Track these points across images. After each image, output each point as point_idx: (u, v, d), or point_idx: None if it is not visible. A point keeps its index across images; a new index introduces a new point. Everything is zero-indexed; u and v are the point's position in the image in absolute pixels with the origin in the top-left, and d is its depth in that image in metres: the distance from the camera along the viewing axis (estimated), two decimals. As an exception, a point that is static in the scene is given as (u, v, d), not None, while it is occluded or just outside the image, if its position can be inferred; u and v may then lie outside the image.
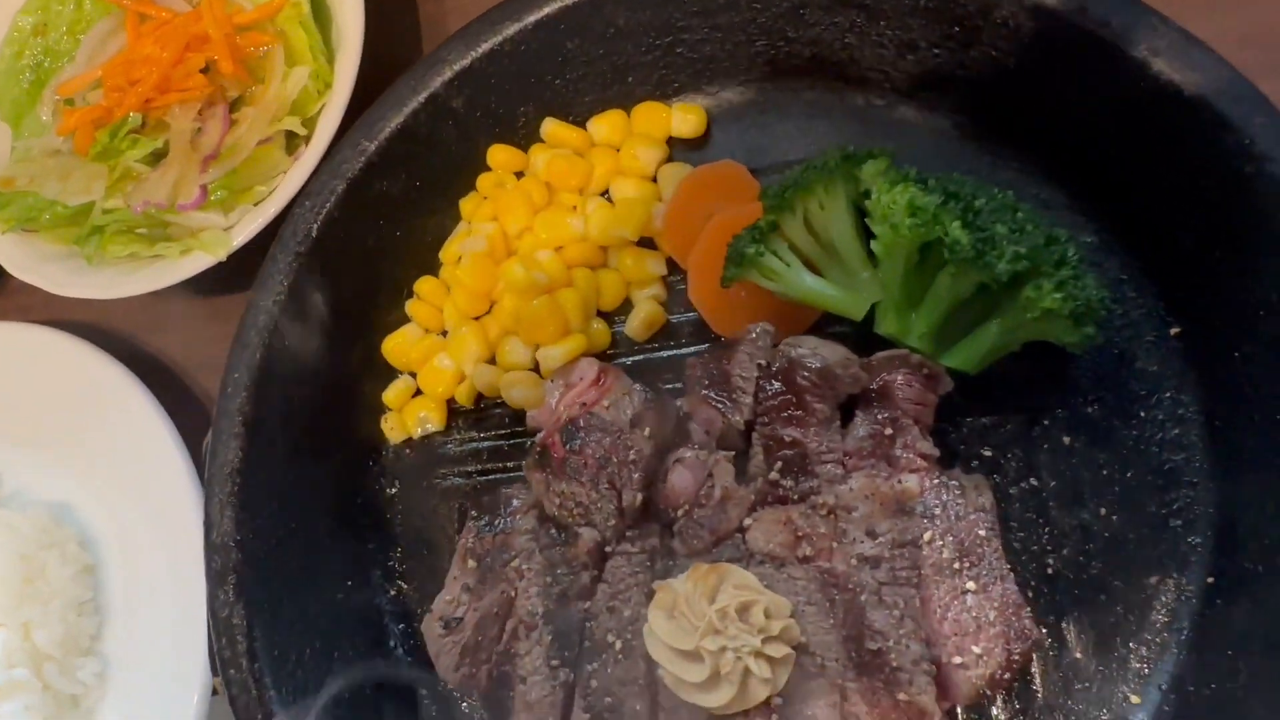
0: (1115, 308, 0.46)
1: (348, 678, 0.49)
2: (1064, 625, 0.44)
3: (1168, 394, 0.45)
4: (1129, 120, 0.44)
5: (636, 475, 0.45)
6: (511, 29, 0.52)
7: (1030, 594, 0.44)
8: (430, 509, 0.54)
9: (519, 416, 0.53)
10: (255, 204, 0.61)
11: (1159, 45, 0.43)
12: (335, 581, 0.51)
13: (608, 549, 0.45)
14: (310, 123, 0.62)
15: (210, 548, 0.49)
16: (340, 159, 0.52)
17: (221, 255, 0.59)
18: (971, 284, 0.44)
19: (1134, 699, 0.42)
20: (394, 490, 0.55)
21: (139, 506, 0.63)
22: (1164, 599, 0.43)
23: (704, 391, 0.46)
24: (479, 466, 0.54)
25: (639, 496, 0.45)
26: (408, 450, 0.55)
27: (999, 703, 0.44)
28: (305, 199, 0.53)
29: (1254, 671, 0.39)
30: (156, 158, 0.64)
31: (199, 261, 0.60)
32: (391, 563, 0.53)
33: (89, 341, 0.66)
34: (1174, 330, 0.45)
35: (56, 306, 0.69)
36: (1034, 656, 0.42)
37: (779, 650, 0.41)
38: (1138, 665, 0.43)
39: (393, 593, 0.53)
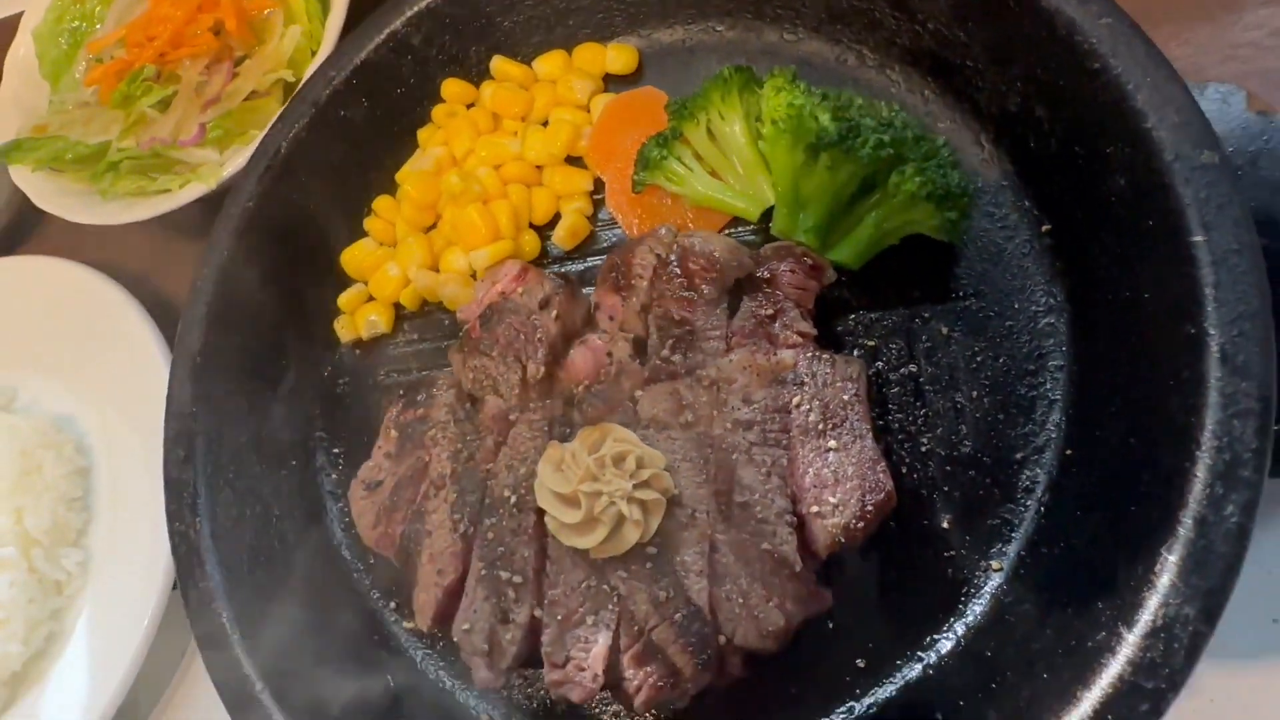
0: (995, 210, 0.50)
1: (282, 543, 0.54)
2: (934, 498, 0.46)
3: (1039, 286, 0.48)
4: (1005, 38, 0.48)
5: (541, 351, 0.50)
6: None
7: (904, 470, 0.47)
8: (374, 403, 0.58)
9: (458, 324, 0.59)
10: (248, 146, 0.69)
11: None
12: (282, 460, 0.56)
13: (512, 417, 0.49)
14: (301, 75, 0.70)
15: (170, 416, 0.54)
16: (310, 87, 0.59)
17: (212, 184, 0.66)
18: (848, 177, 0.48)
19: (995, 565, 0.44)
20: (343, 385, 0.60)
21: (132, 422, 0.69)
22: (1026, 472, 0.45)
23: (609, 280, 0.51)
24: (419, 365, 0.58)
25: (541, 369, 0.49)
26: (357, 350, 0.60)
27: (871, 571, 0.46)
28: (278, 122, 0.60)
29: (1096, 526, 0.41)
30: (165, 105, 0.72)
31: (194, 190, 0.68)
32: (336, 450, 0.58)
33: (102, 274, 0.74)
34: (1045, 228, 0.48)
35: (78, 250, 0.78)
36: (892, 518, 0.44)
37: (650, 495, 0.44)
38: (1001, 532, 0.45)
39: (334, 476, 0.58)
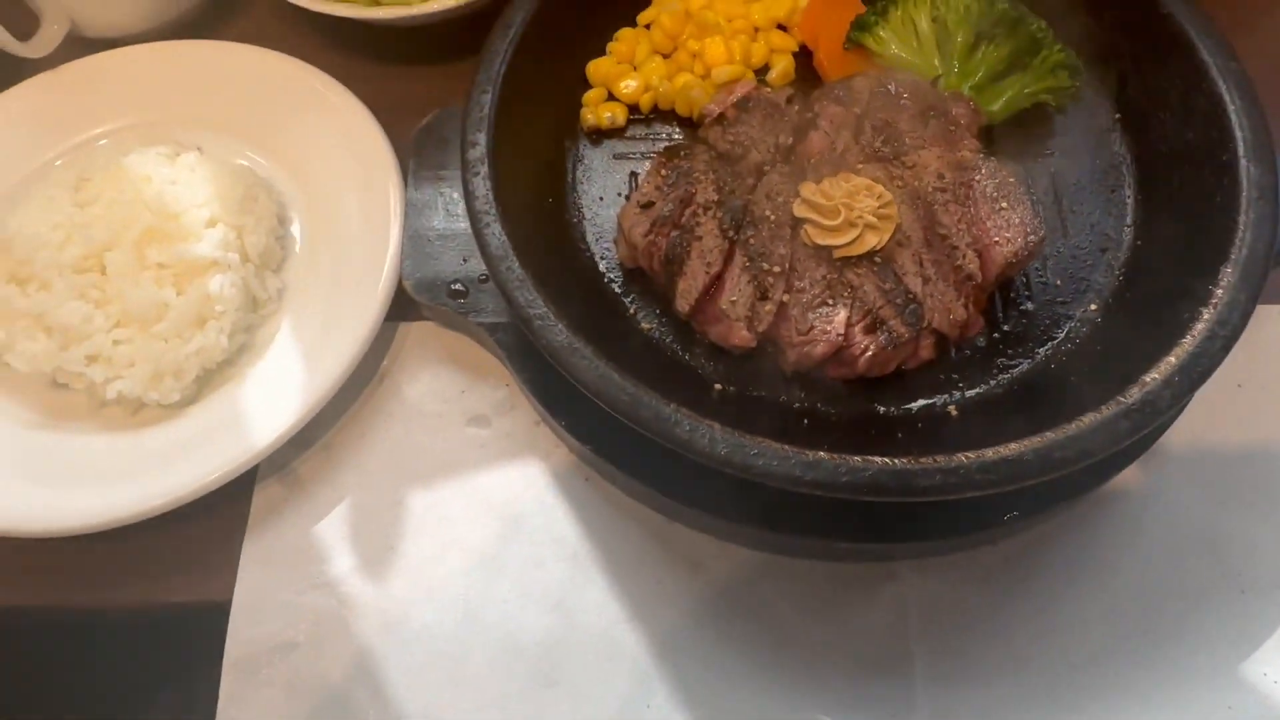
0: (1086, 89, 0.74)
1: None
2: (1048, 265, 0.68)
3: (1114, 144, 0.72)
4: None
5: (788, 128, 0.67)
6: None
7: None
8: (607, 176, 0.74)
9: (679, 132, 0.75)
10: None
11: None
12: (543, 189, 0.71)
13: (765, 169, 0.66)
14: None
15: (466, 128, 0.66)
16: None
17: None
18: (1005, 54, 0.71)
19: (1094, 306, 0.66)
20: (579, 164, 0.74)
21: (337, 185, 0.78)
22: (1110, 252, 0.68)
23: (831, 95, 0.69)
24: (643, 151, 0.74)
25: (790, 139, 0.67)
26: (595, 138, 0.75)
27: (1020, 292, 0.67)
28: None
29: (1164, 277, 0.64)
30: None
31: (438, 6, 0.80)
32: (580, 207, 0.72)
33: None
34: (1117, 116, 0.73)
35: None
36: (1035, 262, 0.65)
37: (885, 214, 0.62)
38: (1095, 285, 0.67)
39: (574, 218, 0.71)
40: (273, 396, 0.69)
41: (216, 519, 0.68)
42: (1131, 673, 0.60)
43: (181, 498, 0.66)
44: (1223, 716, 0.60)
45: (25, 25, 0.84)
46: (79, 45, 0.86)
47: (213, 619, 0.65)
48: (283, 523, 0.68)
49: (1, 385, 0.71)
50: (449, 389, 0.73)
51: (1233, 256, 0.60)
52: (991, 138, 0.72)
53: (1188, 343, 0.58)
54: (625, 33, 0.77)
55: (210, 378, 0.71)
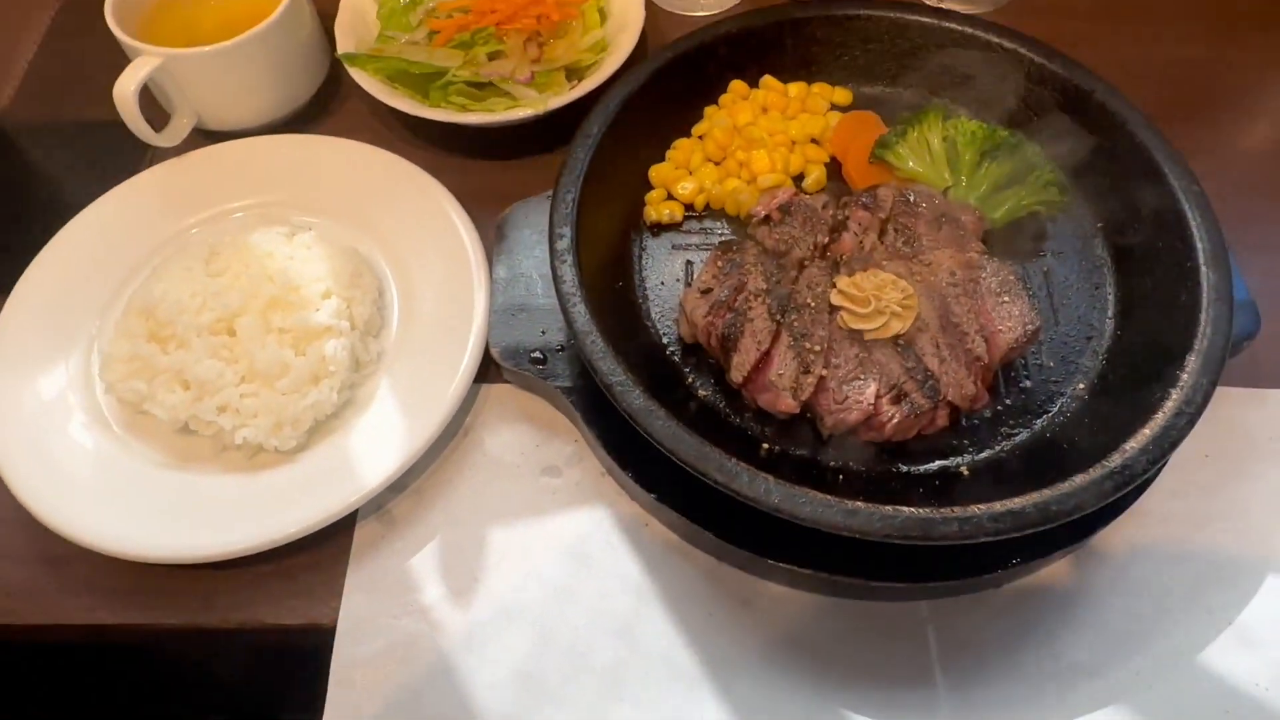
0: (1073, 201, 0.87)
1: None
2: (1041, 350, 0.80)
3: (1097, 247, 0.85)
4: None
5: (824, 229, 0.80)
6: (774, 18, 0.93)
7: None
8: (666, 264, 0.86)
9: (727, 228, 0.88)
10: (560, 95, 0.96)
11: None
12: (614, 274, 0.83)
13: (805, 263, 0.78)
14: (584, 70, 1.00)
15: (553, 221, 0.79)
16: (652, 59, 0.89)
17: (541, 110, 0.93)
18: (1005, 171, 0.84)
19: (1080, 386, 0.78)
20: (643, 253, 0.87)
21: (428, 263, 0.90)
22: (1094, 340, 0.80)
23: (859, 202, 0.82)
24: (698, 244, 0.87)
25: (826, 238, 0.79)
26: (655, 231, 0.88)
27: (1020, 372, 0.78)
28: (614, 88, 0.88)
29: (1140, 360, 0.76)
30: (493, 57, 0.98)
31: (522, 112, 0.93)
32: (645, 289, 0.84)
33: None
34: (1099, 224, 0.86)
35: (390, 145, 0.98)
36: (1032, 347, 0.77)
37: (907, 305, 0.74)
38: (1082, 368, 0.78)
39: (639, 299, 0.83)
40: (373, 446, 0.80)
41: (323, 552, 0.78)
42: (1131, 682, 0.71)
43: (293, 534, 0.76)
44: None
45: (159, 119, 0.97)
46: (201, 137, 0.99)
47: (319, 638, 0.74)
48: (380, 556, 0.78)
49: (138, 431, 0.82)
50: (525, 443, 0.83)
51: (1196, 347, 0.72)
52: (994, 240, 0.85)
53: (1159, 418, 0.69)
54: (682, 143, 0.91)
55: (319, 428, 0.82)
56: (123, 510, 0.77)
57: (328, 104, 1.06)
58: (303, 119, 1.04)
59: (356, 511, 0.79)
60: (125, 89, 0.90)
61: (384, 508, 0.81)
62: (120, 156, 0.98)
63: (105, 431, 0.82)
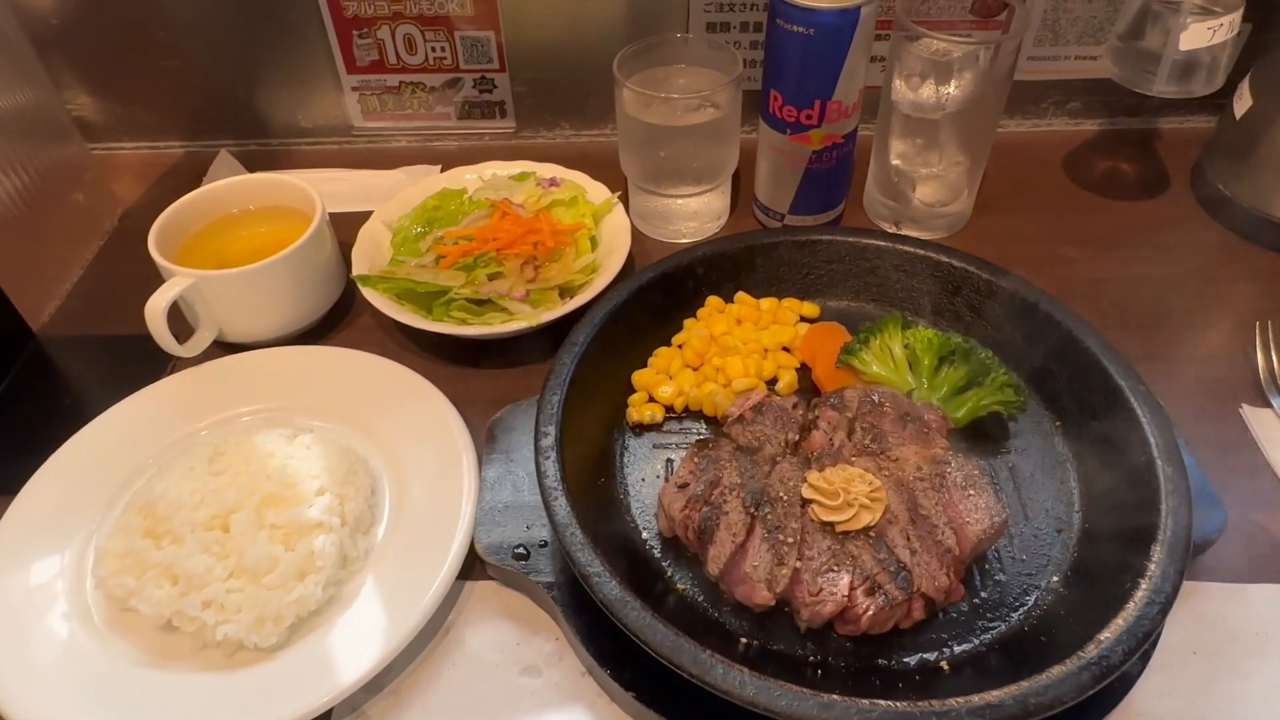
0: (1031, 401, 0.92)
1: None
2: (1012, 540, 0.81)
3: (1057, 443, 0.88)
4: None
5: (796, 426, 0.84)
6: (747, 242, 1.04)
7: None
8: (647, 462, 0.89)
9: (705, 428, 0.92)
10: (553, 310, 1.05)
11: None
12: (596, 471, 0.85)
13: (777, 460, 0.82)
14: (576, 289, 1.09)
15: (539, 421, 0.83)
16: (636, 277, 0.98)
17: (535, 323, 1.01)
18: (962, 375, 0.89)
19: (1055, 578, 0.78)
20: (625, 451, 0.91)
21: (421, 463, 0.94)
22: (1064, 534, 0.81)
23: (828, 404, 0.87)
24: (676, 442, 0.91)
25: (796, 436, 0.83)
26: (638, 430, 0.92)
27: (993, 565, 0.78)
28: (612, 288, 0.97)
29: (1108, 556, 0.76)
30: (492, 278, 1.08)
31: (517, 325, 1.01)
32: (626, 486, 0.87)
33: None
34: (1058, 423, 0.90)
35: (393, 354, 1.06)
36: (1001, 539, 0.78)
37: (876, 498, 0.76)
38: (1053, 559, 0.79)
39: (620, 495, 0.86)
40: (353, 645, 0.80)
41: (292, 756, 0.76)
42: None
43: (266, 735, 0.74)
44: None
45: (183, 332, 1.05)
46: (220, 348, 1.07)
47: None
48: (351, 761, 0.76)
49: (118, 628, 0.82)
50: (506, 640, 0.83)
51: (1159, 537, 0.74)
52: (959, 439, 0.89)
53: (1131, 607, 0.70)
54: (663, 351, 0.98)
55: (301, 625, 0.82)
56: (94, 706, 0.76)
57: (341, 319, 1.15)
58: (317, 332, 1.12)
59: (330, 712, 0.78)
60: (157, 305, 0.99)
61: (359, 709, 0.79)
62: (144, 365, 1.06)
63: (86, 625, 0.82)
